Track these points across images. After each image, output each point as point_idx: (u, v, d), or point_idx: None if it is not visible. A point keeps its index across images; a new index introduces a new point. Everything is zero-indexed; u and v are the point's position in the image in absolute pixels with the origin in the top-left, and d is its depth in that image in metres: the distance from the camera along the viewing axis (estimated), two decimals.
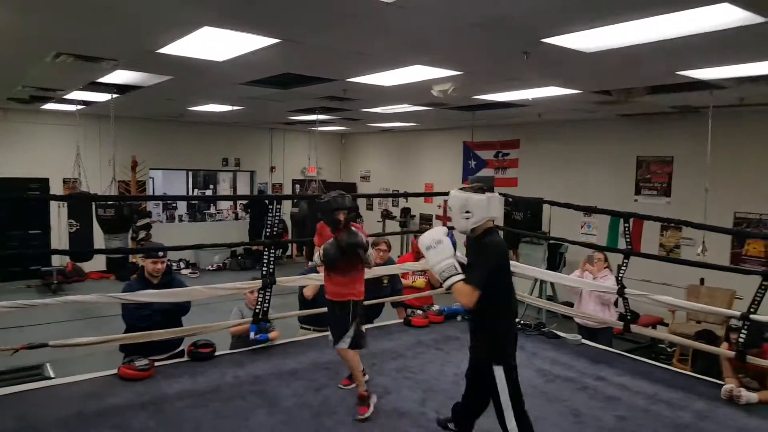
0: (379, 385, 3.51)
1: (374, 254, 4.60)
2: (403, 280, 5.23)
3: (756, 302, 3.57)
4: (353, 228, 3.13)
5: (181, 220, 13.57)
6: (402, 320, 4.96)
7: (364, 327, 4.58)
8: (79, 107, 9.14)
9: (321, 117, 9.86)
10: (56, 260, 10.60)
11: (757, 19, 3.32)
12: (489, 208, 2.57)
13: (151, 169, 12.16)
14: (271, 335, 4.13)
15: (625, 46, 4.05)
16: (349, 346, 3.14)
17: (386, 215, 13.17)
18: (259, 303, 3.93)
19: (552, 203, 5.10)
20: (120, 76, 6.21)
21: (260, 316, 3.95)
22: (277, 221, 3.94)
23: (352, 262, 3.16)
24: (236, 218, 14.02)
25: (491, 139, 10.69)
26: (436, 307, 5.05)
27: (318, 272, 4.04)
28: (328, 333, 3.28)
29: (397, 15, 3.48)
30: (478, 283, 2.44)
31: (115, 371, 3.49)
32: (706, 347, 4.29)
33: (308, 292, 4.36)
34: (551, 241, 8.66)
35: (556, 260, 8.90)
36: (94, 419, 2.93)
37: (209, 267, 12.65)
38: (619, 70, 5.07)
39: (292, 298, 4.78)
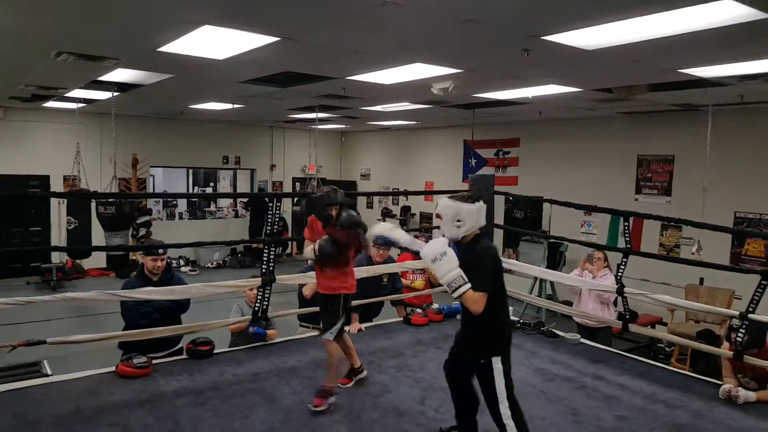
0: (379, 383, 3.51)
1: (374, 252, 4.63)
2: (402, 279, 5.22)
3: (755, 301, 3.56)
4: (351, 211, 3.13)
5: (181, 218, 13.55)
6: (402, 318, 4.96)
7: (364, 325, 4.63)
8: (80, 105, 9.16)
9: (321, 115, 9.86)
10: (56, 257, 10.62)
11: (759, 15, 3.30)
12: (479, 217, 2.69)
13: (151, 166, 12.18)
14: (268, 333, 4.14)
15: (625, 43, 4.04)
16: (333, 338, 3.17)
17: (386, 213, 13.17)
18: (259, 301, 3.93)
19: (552, 202, 5.10)
20: (121, 75, 6.22)
21: (260, 314, 3.95)
22: (277, 219, 3.94)
23: (345, 255, 3.17)
24: (236, 216, 14.04)
25: (491, 137, 10.68)
26: (435, 306, 5.05)
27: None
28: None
29: (394, 13, 3.47)
30: (486, 288, 2.54)
31: (113, 369, 3.48)
32: (705, 347, 4.29)
33: (308, 292, 4.34)
34: (551, 240, 8.65)
35: (556, 259, 8.90)
36: (91, 417, 2.93)
37: (209, 265, 12.65)
38: (619, 68, 5.05)
39: (291, 296, 4.78)
